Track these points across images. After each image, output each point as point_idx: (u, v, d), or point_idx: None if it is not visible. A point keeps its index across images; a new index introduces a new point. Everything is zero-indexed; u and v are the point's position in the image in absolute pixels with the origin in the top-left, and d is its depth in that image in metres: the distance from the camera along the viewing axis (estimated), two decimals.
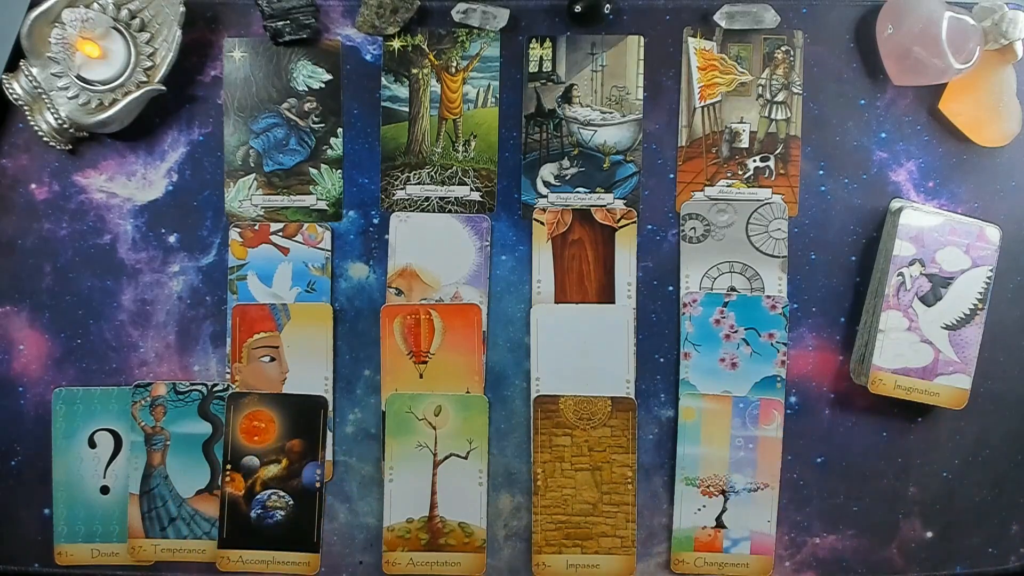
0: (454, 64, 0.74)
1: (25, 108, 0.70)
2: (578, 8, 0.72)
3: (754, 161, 0.74)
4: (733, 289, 0.74)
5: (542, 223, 0.74)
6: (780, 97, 0.74)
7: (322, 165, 0.75)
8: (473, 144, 0.74)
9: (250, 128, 0.74)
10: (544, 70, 0.74)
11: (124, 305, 0.75)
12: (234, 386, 0.74)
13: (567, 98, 0.74)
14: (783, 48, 0.74)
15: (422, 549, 0.74)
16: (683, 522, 0.74)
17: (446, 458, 0.74)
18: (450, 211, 0.75)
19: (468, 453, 0.74)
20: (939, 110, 0.73)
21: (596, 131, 0.74)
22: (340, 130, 0.74)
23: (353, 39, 0.74)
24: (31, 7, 0.68)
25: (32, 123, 0.70)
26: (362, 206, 0.75)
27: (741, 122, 0.74)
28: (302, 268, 0.74)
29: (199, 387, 0.74)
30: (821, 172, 0.74)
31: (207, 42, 0.74)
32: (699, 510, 0.74)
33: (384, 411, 0.74)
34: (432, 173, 0.74)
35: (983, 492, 0.75)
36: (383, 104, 0.74)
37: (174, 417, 0.74)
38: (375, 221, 0.75)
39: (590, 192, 0.74)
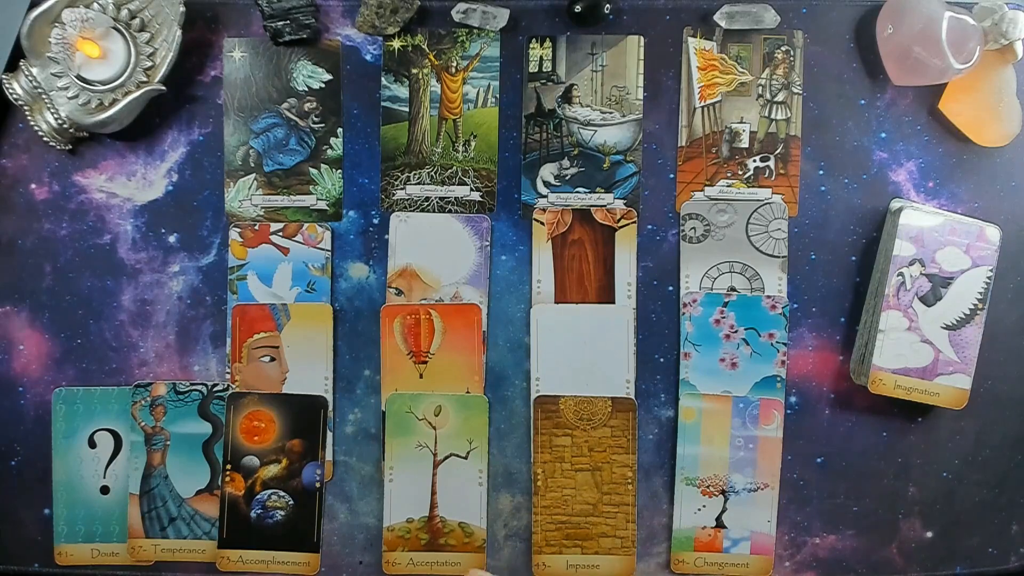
0: (454, 64, 0.74)
1: (25, 108, 0.70)
2: (578, 8, 0.72)
3: (754, 161, 0.74)
4: (733, 289, 0.74)
5: (542, 223, 0.74)
6: (780, 97, 0.74)
7: (322, 165, 0.75)
8: (473, 144, 0.74)
9: (250, 128, 0.74)
10: (544, 70, 0.74)
11: (124, 305, 0.75)
12: (234, 386, 0.74)
13: (567, 98, 0.74)
14: (783, 48, 0.74)
15: (422, 549, 0.74)
16: (683, 522, 0.74)
17: (446, 458, 0.74)
18: (450, 211, 0.75)
19: (468, 453, 0.74)
20: (939, 110, 0.73)
21: (596, 131, 0.74)
22: (340, 130, 0.74)
23: (353, 39, 0.74)
24: (31, 7, 0.68)
25: (32, 123, 0.70)
26: (362, 206, 0.75)
27: (741, 122, 0.74)
28: (302, 268, 0.74)
29: (199, 387, 0.74)
30: (821, 172, 0.74)
31: (207, 42, 0.74)
32: (699, 510, 0.74)
33: (384, 411, 0.74)
34: (432, 173, 0.74)
35: (983, 492, 0.75)
36: (383, 104, 0.74)
37: (174, 417, 0.74)
38: (375, 221, 0.75)
39: (590, 192, 0.75)
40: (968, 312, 0.72)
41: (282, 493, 0.74)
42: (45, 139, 0.71)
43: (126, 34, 0.70)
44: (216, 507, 0.74)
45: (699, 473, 0.74)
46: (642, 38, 0.74)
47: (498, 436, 0.75)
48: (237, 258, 0.74)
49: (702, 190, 0.75)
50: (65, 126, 0.70)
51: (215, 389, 0.74)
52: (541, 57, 0.74)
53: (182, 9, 0.70)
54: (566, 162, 0.74)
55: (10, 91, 0.69)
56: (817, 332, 0.75)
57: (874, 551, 0.75)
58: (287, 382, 0.74)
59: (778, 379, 0.74)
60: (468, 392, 0.74)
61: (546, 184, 0.75)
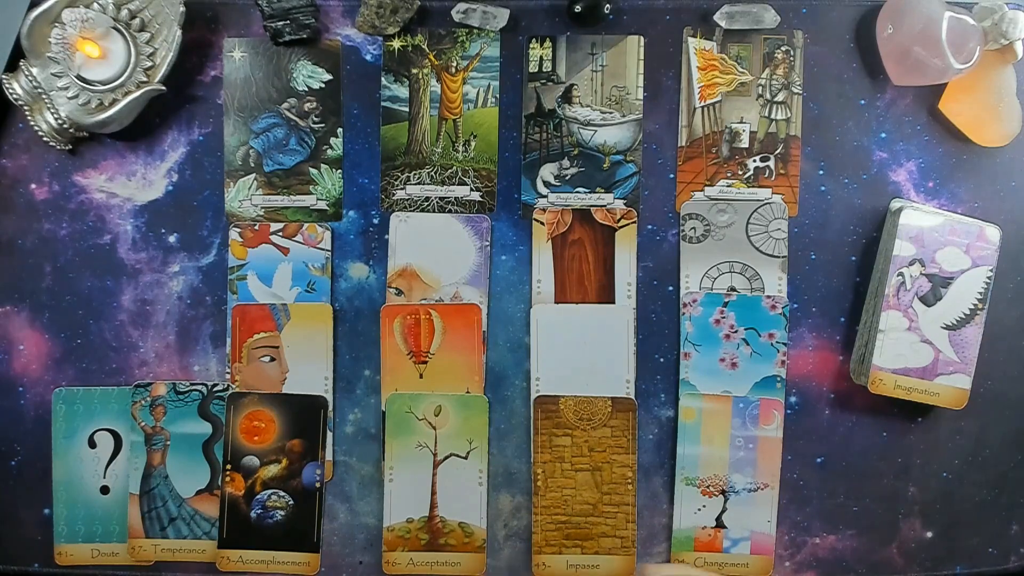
0: (454, 64, 0.74)
1: (25, 108, 0.70)
2: (578, 8, 0.72)
3: (754, 161, 0.74)
4: (733, 289, 0.74)
5: (542, 223, 0.74)
6: (780, 97, 0.74)
7: (322, 165, 0.75)
8: (473, 144, 0.74)
9: (250, 128, 0.74)
10: (544, 70, 0.74)
11: (124, 305, 0.75)
12: (234, 386, 0.74)
13: (567, 98, 0.74)
14: (783, 48, 0.74)
15: (422, 549, 0.74)
16: (683, 522, 0.74)
17: (446, 458, 0.74)
18: (450, 211, 0.75)
19: (468, 453, 0.74)
20: (939, 110, 0.73)
21: (596, 131, 0.74)
22: (340, 130, 0.74)
23: (353, 39, 0.74)
24: (31, 7, 0.68)
25: (32, 123, 0.70)
26: (362, 206, 0.75)
27: (741, 122, 0.74)
28: (302, 268, 0.74)
29: (199, 387, 0.74)
30: (821, 172, 0.74)
31: (207, 42, 0.74)
32: (699, 510, 0.74)
33: (384, 411, 0.74)
34: (432, 173, 0.74)
35: (983, 492, 0.75)
36: (383, 104, 0.74)
37: (174, 417, 0.74)
38: (375, 221, 0.75)
39: (590, 192, 0.75)
40: (968, 312, 0.72)
41: (282, 493, 0.74)
42: (45, 139, 0.71)
43: (126, 34, 0.70)
44: (216, 507, 0.74)
45: (699, 473, 0.74)
46: (642, 38, 0.74)
47: (498, 436, 0.75)
48: (237, 258, 0.74)
49: (702, 190, 0.75)
50: (65, 126, 0.70)
51: (215, 389, 0.74)
52: (541, 57, 0.74)
53: (182, 9, 0.70)
54: (566, 162, 0.74)
55: (10, 91, 0.69)
56: (817, 332, 0.75)
57: (874, 551, 0.75)
58: (287, 382, 0.74)
59: (778, 379, 0.74)
60: (468, 392, 0.74)
61: (546, 184, 0.75)
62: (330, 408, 0.74)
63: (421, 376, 0.74)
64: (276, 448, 0.74)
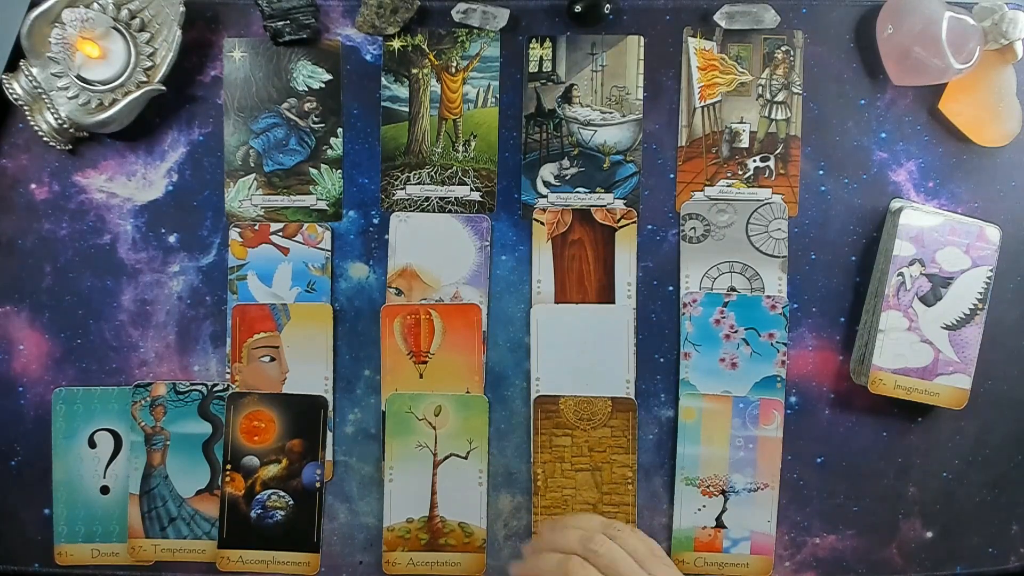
0: (454, 64, 0.74)
1: (25, 108, 0.70)
2: (578, 8, 0.72)
3: (754, 161, 0.74)
4: (733, 289, 0.74)
5: (542, 223, 0.74)
6: (780, 97, 0.74)
7: (322, 165, 0.75)
8: (473, 144, 0.74)
9: (250, 128, 0.74)
10: (544, 70, 0.74)
11: (124, 305, 0.75)
12: (234, 386, 0.74)
13: (567, 98, 0.74)
14: (783, 48, 0.74)
15: (422, 549, 0.74)
16: (683, 522, 0.74)
17: (446, 458, 0.74)
18: (450, 211, 0.75)
19: (468, 453, 0.74)
20: (939, 110, 0.73)
21: (596, 131, 0.74)
22: (340, 130, 0.74)
23: (353, 39, 0.74)
24: (31, 7, 0.68)
25: (32, 123, 0.70)
26: (362, 206, 0.75)
27: (741, 122, 0.74)
28: (302, 268, 0.74)
29: (199, 387, 0.74)
30: (821, 172, 0.74)
31: (207, 42, 0.74)
32: (699, 510, 0.74)
33: (384, 411, 0.74)
34: (432, 173, 0.74)
35: (983, 492, 0.75)
36: (383, 104, 0.74)
37: (174, 417, 0.74)
38: (375, 221, 0.75)
39: (590, 192, 0.75)
40: (968, 312, 0.72)
41: (282, 493, 0.74)
42: (45, 139, 0.71)
43: (126, 34, 0.70)
44: (216, 507, 0.74)
45: (699, 473, 0.74)
46: (642, 38, 0.74)
47: (498, 436, 0.75)
48: (237, 258, 0.74)
49: (702, 190, 0.75)
50: (65, 126, 0.70)
51: (215, 389, 0.74)
52: (541, 57, 0.74)
53: (182, 9, 0.70)
54: (566, 162, 0.74)
55: (10, 91, 0.69)
56: (817, 332, 0.75)
57: (874, 551, 0.75)
58: (287, 382, 0.74)
59: (778, 379, 0.74)
60: (468, 392, 0.74)
61: (546, 184, 0.75)
62: (330, 408, 0.74)
63: (421, 376, 0.74)
64: (276, 448, 0.74)
